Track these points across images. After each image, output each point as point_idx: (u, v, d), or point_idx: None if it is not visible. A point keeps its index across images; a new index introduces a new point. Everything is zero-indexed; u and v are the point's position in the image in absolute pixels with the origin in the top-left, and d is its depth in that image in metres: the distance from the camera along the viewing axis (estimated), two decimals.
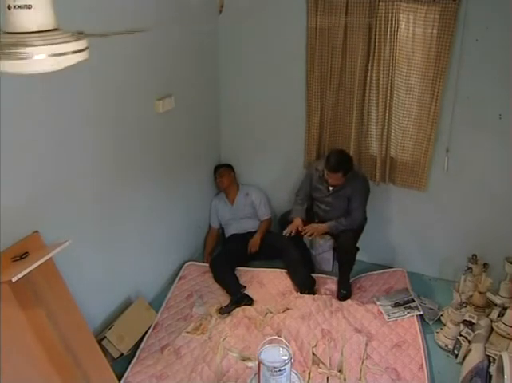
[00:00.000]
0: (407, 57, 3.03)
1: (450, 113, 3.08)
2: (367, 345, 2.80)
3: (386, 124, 3.26)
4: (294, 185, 3.60)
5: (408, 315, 3.03)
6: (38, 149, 2.17)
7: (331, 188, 3.25)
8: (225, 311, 3.06)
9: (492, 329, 2.79)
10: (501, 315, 2.80)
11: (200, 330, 2.93)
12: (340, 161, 3.09)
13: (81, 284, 2.46)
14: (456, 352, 2.77)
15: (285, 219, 3.50)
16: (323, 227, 3.30)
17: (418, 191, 3.35)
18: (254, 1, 3.37)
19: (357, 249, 3.33)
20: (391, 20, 2.98)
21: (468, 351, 2.70)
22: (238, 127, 3.80)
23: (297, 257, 3.44)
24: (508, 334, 2.67)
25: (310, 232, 3.28)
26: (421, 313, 3.05)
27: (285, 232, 3.31)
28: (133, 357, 2.75)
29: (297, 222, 3.33)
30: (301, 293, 3.21)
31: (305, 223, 3.40)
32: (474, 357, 2.60)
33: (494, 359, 2.51)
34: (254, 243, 3.60)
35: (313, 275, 3.39)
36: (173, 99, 3.08)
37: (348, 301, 3.21)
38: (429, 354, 2.80)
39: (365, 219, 3.38)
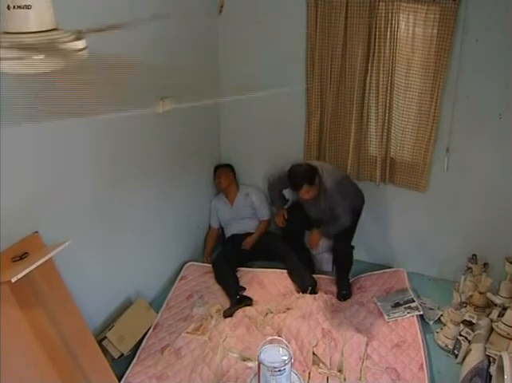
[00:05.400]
0: (407, 57, 3.03)
1: (450, 113, 3.08)
2: (367, 345, 2.80)
3: (386, 124, 3.25)
4: None
5: (408, 315, 3.02)
6: (38, 149, 2.17)
7: (308, 203, 3.22)
8: (228, 313, 3.04)
9: (492, 329, 2.79)
10: (501, 315, 2.80)
11: (200, 331, 2.93)
12: (299, 177, 3.02)
13: (81, 284, 2.46)
14: (456, 352, 2.77)
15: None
16: (317, 236, 3.31)
17: (418, 191, 3.35)
18: (254, 1, 3.37)
19: (352, 247, 3.33)
20: (391, 20, 2.98)
21: (468, 351, 2.70)
22: (238, 127, 3.80)
23: (298, 258, 3.44)
24: (508, 334, 2.67)
25: (315, 247, 3.34)
26: (421, 313, 3.04)
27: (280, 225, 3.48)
28: (133, 357, 2.76)
29: (281, 213, 3.46)
30: (303, 293, 3.21)
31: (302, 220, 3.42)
32: (474, 357, 2.60)
33: (494, 359, 2.51)
34: (249, 241, 3.60)
35: (313, 275, 3.38)
36: (173, 99, 3.08)
37: (349, 301, 3.21)
38: (429, 354, 2.80)
39: (359, 214, 3.34)
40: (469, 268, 3.04)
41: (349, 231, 3.31)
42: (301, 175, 3.04)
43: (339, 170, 3.32)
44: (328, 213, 3.17)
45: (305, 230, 3.55)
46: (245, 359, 2.67)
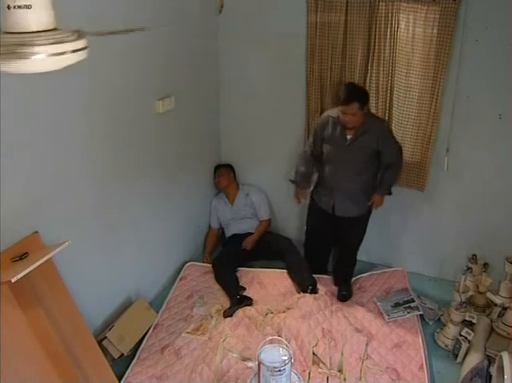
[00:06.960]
0: (407, 57, 3.03)
1: (450, 113, 3.08)
2: (367, 345, 2.80)
3: None
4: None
5: (408, 315, 3.02)
6: (38, 149, 2.17)
7: (349, 137, 2.92)
8: (229, 314, 3.04)
9: (492, 329, 2.79)
10: (501, 315, 2.80)
11: (200, 331, 2.93)
12: (354, 90, 2.85)
13: (81, 284, 2.46)
14: (456, 352, 2.77)
15: None
16: (380, 197, 3.09)
17: (418, 191, 3.35)
18: (254, 1, 3.38)
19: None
20: (391, 20, 2.98)
21: (468, 351, 2.70)
22: (239, 127, 3.80)
23: (299, 257, 3.44)
24: (508, 334, 2.67)
25: (379, 206, 3.14)
26: (421, 313, 3.05)
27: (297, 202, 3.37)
28: (133, 357, 2.75)
29: (303, 197, 3.28)
30: (303, 292, 3.20)
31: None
32: (474, 357, 2.60)
33: (494, 359, 2.51)
34: (249, 241, 3.60)
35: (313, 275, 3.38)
36: (173, 99, 3.08)
37: (348, 301, 3.21)
38: (429, 354, 2.80)
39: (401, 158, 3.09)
40: (469, 268, 3.04)
41: (361, 232, 3.26)
42: (357, 91, 2.86)
43: None
44: (362, 157, 2.95)
45: (328, 256, 3.50)
46: (245, 359, 2.67)
